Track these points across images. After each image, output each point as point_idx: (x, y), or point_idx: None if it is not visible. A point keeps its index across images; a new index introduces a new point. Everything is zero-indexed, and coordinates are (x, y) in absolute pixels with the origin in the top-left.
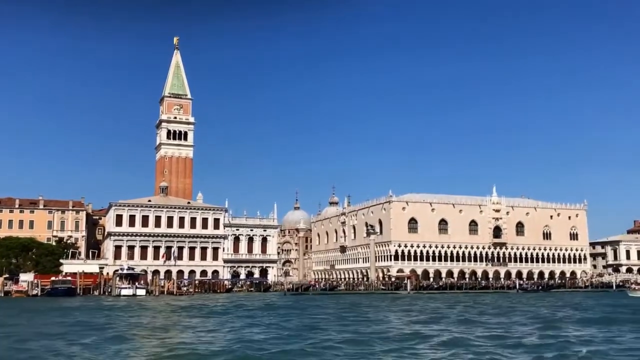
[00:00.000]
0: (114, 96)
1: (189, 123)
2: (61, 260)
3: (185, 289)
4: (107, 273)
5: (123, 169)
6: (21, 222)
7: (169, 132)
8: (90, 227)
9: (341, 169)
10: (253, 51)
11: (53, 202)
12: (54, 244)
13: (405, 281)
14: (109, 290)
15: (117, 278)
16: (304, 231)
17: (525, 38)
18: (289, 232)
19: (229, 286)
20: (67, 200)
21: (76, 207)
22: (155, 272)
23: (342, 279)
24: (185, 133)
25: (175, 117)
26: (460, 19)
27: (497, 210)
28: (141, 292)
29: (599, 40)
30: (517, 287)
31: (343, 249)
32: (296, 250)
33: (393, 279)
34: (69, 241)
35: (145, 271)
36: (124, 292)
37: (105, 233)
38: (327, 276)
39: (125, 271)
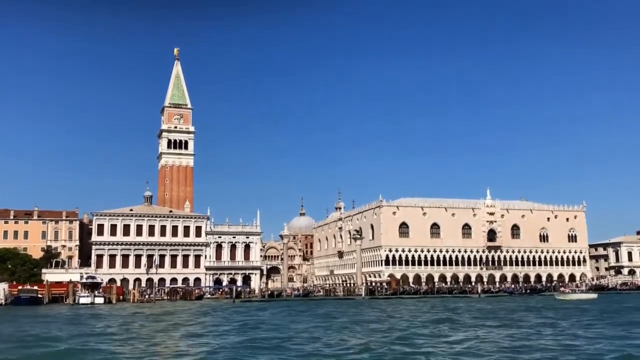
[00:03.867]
0: (119, 106)
1: (189, 132)
2: (43, 270)
3: (147, 297)
4: None
5: (127, 179)
6: (16, 233)
7: (169, 141)
8: (85, 236)
9: (348, 174)
10: (252, 59)
11: (47, 213)
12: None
13: (361, 287)
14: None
15: (81, 287)
16: (288, 237)
17: (523, 39)
18: (293, 238)
19: (199, 294)
20: (60, 211)
21: (69, 217)
22: (137, 280)
23: (338, 285)
24: (186, 142)
25: (176, 127)
26: (457, 21)
27: (492, 213)
28: (99, 300)
29: (600, 42)
30: (479, 292)
31: (340, 254)
32: (300, 256)
33: (374, 284)
34: (56, 251)
35: (113, 279)
36: (82, 300)
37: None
38: (327, 281)
39: (84, 280)
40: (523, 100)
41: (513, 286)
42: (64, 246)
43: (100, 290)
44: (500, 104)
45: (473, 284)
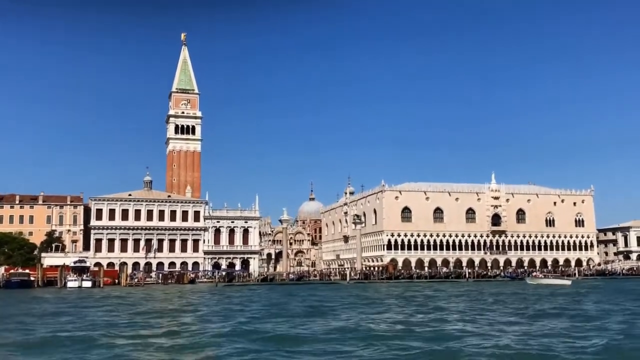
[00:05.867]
0: (127, 91)
1: (196, 117)
2: (42, 254)
3: (136, 280)
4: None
5: (134, 164)
6: (22, 218)
7: (176, 126)
8: (90, 221)
9: (360, 159)
10: (260, 44)
11: (53, 198)
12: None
13: (345, 271)
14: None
15: (70, 270)
16: (287, 222)
17: (529, 23)
18: (302, 222)
19: (192, 278)
20: (65, 196)
21: (74, 202)
22: (136, 265)
23: (334, 269)
24: (193, 127)
25: (183, 112)
26: (458, 5)
27: (496, 198)
28: (87, 283)
29: (606, 24)
30: (467, 276)
31: (346, 239)
32: (308, 240)
33: (369, 269)
34: (60, 235)
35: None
36: (70, 284)
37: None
38: (330, 266)
39: (73, 264)
40: (530, 83)
41: (516, 271)
42: (69, 231)
43: (89, 274)
44: (507, 87)
45: (477, 268)
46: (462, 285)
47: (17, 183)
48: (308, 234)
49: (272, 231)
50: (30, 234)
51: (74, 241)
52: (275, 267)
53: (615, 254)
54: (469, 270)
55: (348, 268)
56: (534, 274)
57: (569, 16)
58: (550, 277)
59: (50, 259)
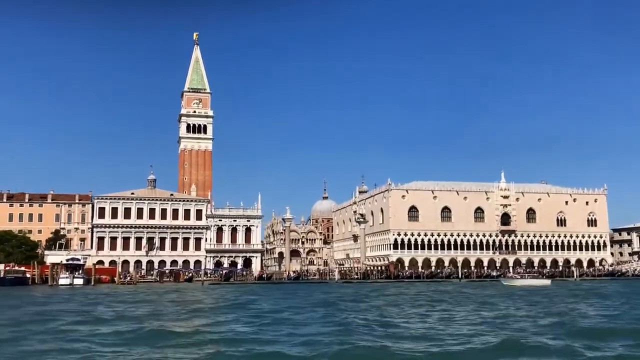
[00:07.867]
0: (139, 90)
1: (208, 116)
2: (46, 252)
3: (129, 278)
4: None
5: (146, 163)
6: (31, 216)
7: (188, 125)
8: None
9: (373, 157)
10: (272, 43)
11: (62, 196)
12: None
13: (334, 270)
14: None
15: (64, 268)
16: (290, 221)
17: (541, 19)
18: (315, 221)
19: (189, 276)
20: (74, 194)
21: (83, 200)
22: (138, 263)
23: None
24: (205, 126)
25: (195, 111)
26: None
27: (506, 197)
28: (78, 281)
29: (624, 20)
30: (460, 276)
31: (355, 238)
32: (320, 239)
33: (368, 268)
34: (68, 233)
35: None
36: (61, 281)
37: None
38: (334, 265)
39: (66, 261)
40: (541, 81)
41: (521, 270)
42: (77, 229)
43: (81, 271)
44: (518, 84)
45: (486, 268)
46: (425, 285)
47: (27, 182)
48: (320, 233)
49: (284, 230)
50: (40, 232)
51: (82, 239)
52: (287, 266)
53: (630, 254)
54: (465, 270)
55: (346, 267)
56: (509, 274)
57: (587, 13)
58: (527, 277)
59: (53, 257)
